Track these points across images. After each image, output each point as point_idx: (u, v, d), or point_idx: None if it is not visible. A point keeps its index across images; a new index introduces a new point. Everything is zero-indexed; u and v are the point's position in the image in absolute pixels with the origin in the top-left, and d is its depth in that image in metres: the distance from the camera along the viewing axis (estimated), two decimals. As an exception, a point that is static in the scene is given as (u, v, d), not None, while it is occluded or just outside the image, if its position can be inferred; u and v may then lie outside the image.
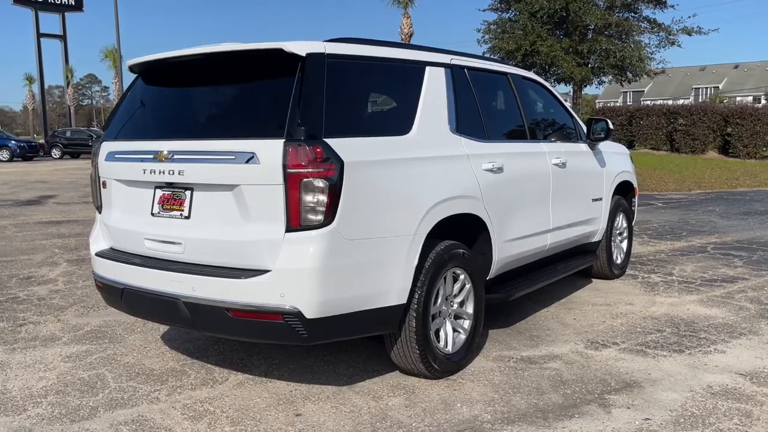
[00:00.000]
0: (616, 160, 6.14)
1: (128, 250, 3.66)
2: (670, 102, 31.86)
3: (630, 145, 24.24)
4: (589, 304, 5.40)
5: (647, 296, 5.62)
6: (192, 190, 3.33)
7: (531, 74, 5.27)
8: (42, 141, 41.55)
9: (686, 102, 36.79)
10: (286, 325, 3.03)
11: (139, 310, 3.63)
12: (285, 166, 2.97)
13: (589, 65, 25.76)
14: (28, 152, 34.85)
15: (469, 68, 4.29)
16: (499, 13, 26.96)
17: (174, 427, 3.21)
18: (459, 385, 3.71)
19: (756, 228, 9.39)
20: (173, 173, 3.31)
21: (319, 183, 3.00)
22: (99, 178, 3.84)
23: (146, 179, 3.47)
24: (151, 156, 3.40)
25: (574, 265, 5.42)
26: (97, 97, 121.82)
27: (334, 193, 3.02)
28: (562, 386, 3.68)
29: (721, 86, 69.94)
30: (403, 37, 29.69)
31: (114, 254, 3.69)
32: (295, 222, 3.01)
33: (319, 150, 3.00)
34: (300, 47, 3.14)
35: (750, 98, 61.18)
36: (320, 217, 3.01)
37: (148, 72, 3.81)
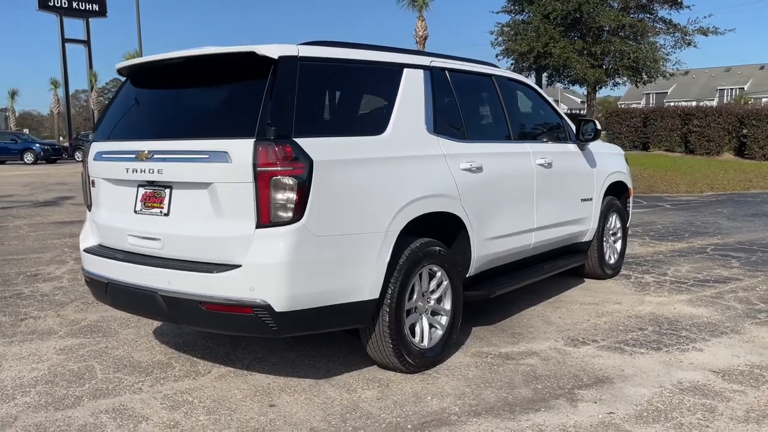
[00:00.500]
0: (608, 161, 6.17)
1: (114, 246, 3.81)
2: (693, 104, 31.53)
3: (645, 147, 24.09)
4: (577, 303, 5.45)
5: (636, 296, 5.65)
6: (171, 188, 3.47)
7: (518, 76, 5.34)
8: (66, 144, 42.39)
9: (712, 103, 36.31)
10: (256, 317, 3.15)
11: (122, 304, 3.77)
12: (255, 165, 3.09)
13: (603, 67, 25.60)
14: (51, 155, 35.60)
15: (451, 70, 4.38)
16: (512, 15, 26.97)
17: (151, 415, 3.35)
18: (433, 380, 3.79)
19: (761, 230, 9.33)
20: (153, 172, 3.46)
21: (288, 181, 3.11)
22: (89, 177, 4.00)
23: (129, 178, 3.62)
24: (134, 156, 3.55)
25: (562, 265, 5.47)
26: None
27: (303, 190, 3.13)
28: (535, 381, 3.75)
29: (746, 87, 68.94)
30: (417, 39, 29.79)
31: (101, 250, 3.84)
32: (265, 218, 3.13)
33: (288, 149, 3.11)
34: (273, 50, 3.26)
35: (776, 100, 60.17)
36: (289, 214, 3.12)
37: (134, 75, 3.96)
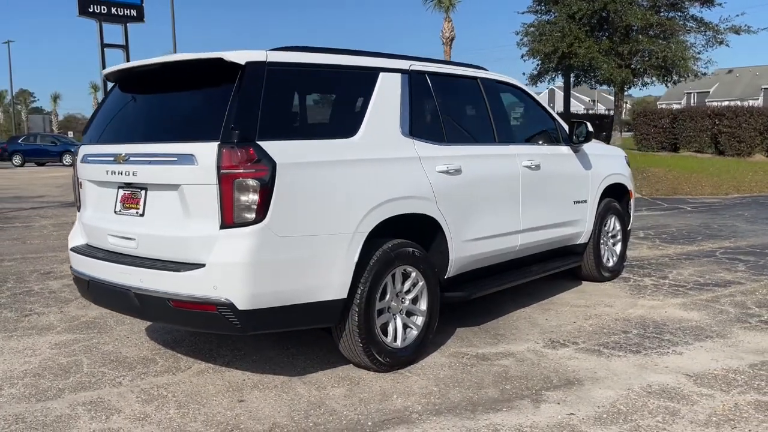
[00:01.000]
0: (605, 163, 6.14)
1: (97, 245, 3.96)
2: (737, 103, 30.76)
3: (674, 149, 23.60)
4: (567, 305, 5.44)
5: (630, 299, 5.61)
6: (146, 189, 3.60)
7: (508, 79, 5.35)
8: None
9: (756, 103, 35.17)
10: (220, 315, 3.26)
11: (101, 300, 3.92)
12: (219, 167, 3.20)
13: (631, 66, 25.16)
14: (88, 157, 36.52)
15: (432, 74, 4.43)
16: (538, 16, 26.72)
17: (125, 408, 3.48)
18: (404, 378, 3.85)
19: (778, 233, 9.13)
20: (128, 174, 3.60)
21: (251, 183, 3.21)
22: (77, 179, 4.17)
23: (109, 180, 3.77)
24: (112, 158, 3.70)
25: (552, 267, 5.47)
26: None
27: (266, 192, 3.23)
28: (504, 382, 3.77)
29: (794, 86, 66.81)
30: (444, 40, 29.75)
31: (85, 249, 4.00)
32: (228, 219, 3.23)
33: (251, 152, 3.21)
34: (240, 56, 3.36)
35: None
36: (252, 215, 3.22)
37: (119, 80, 4.12)
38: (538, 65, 26.71)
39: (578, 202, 5.70)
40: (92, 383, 3.84)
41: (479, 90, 4.84)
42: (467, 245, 4.43)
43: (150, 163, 3.50)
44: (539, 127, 5.53)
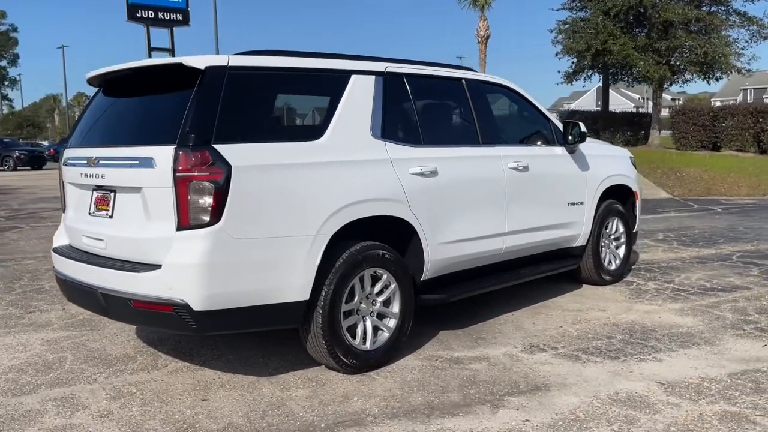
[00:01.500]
0: (606, 164, 6.01)
1: (76, 245, 4.09)
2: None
3: (715, 148, 22.86)
4: (560, 309, 5.34)
5: (627, 303, 5.48)
6: (115, 192, 3.70)
7: (498, 79, 5.28)
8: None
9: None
10: (176, 316, 3.32)
11: (74, 299, 4.04)
12: (175, 170, 3.26)
13: (671, 63, 24.45)
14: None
15: (410, 75, 4.41)
16: (573, 12, 26.21)
17: (92, 404, 3.58)
18: (371, 381, 3.85)
19: (805, 236, 8.76)
20: (98, 177, 3.71)
21: (206, 185, 3.26)
22: (62, 181, 4.31)
23: (84, 182, 3.90)
24: (85, 162, 3.81)
25: (544, 270, 5.38)
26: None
27: (221, 194, 3.27)
28: (470, 386, 3.74)
29: None
30: (479, 39, 29.54)
31: (64, 250, 4.13)
32: (184, 221, 3.29)
33: (206, 155, 3.27)
34: (200, 61, 3.42)
35: None
36: (207, 217, 3.27)
37: (100, 85, 4.23)
38: (573, 63, 26.25)
39: (574, 203, 5.59)
40: (69, 379, 3.96)
41: (463, 91, 4.80)
42: (444, 248, 4.39)
43: (116, 166, 3.60)
44: (531, 129, 5.45)
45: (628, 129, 26.99)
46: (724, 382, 3.71)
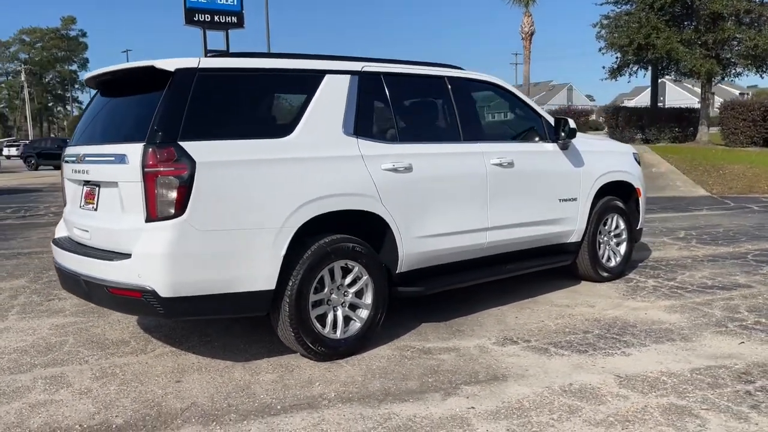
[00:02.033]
0: (603, 160, 5.99)
1: (71, 237, 4.41)
2: None
3: (766, 144, 21.98)
4: (548, 304, 5.38)
5: (618, 300, 5.47)
6: (99, 186, 3.99)
7: (486, 77, 5.35)
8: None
9: None
10: (145, 301, 3.57)
11: (67, 286, 4.35)
12: (143, 165, 3.52)
13: (719, 57, 23.60)
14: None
15: (387, 74, 4.55)
16: (618, 6, 25.60)
17: (76, 383, 3.87)
18: (338, 368, 4.02)
19: (835, 235, 8.45)
20: (85, 173, 4.02)
21: (172, 180, 3.50)
22: (63, 177, 4.64)
23: (76, 178, 4.21)
24: (75, 159, 4.12)
25: (532, 265, 5.43)
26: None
27: (185, 189, 3.51)
28: (430, 375, 3.86)
29: None
30: (523, 35, 29.25)
31: (60, 241, 4.46)
32: (152, 213, 3.54)
33: (171, 151, 3.51)
34: (170, 63, 3.67)
35: None
36: (172, 210, 3.51)
37: (95, 86, 4.55)
38: (617, 58, 25.67)
39: (565, 200, 5.61)
40: (64, 360, 4.28)
41: (445, 89, 4.90)
42: (420, 242, 4.52)
43: (98, 162, 3.89)
44: (520, 125, 5.51)
45: (675, 125, 26.18)
46: (683, 377, 3.72)
